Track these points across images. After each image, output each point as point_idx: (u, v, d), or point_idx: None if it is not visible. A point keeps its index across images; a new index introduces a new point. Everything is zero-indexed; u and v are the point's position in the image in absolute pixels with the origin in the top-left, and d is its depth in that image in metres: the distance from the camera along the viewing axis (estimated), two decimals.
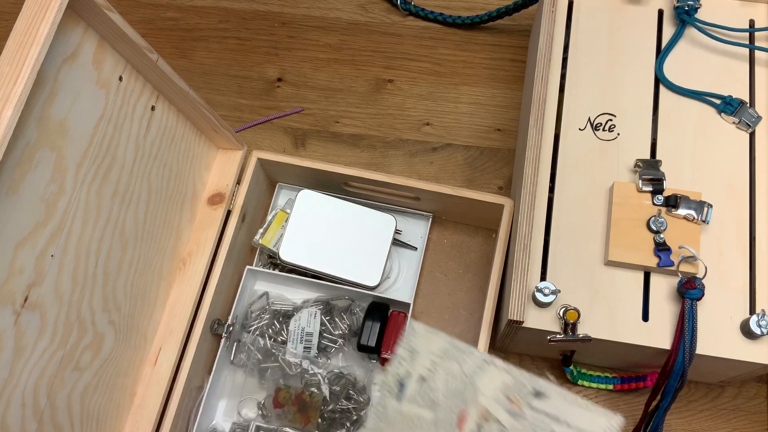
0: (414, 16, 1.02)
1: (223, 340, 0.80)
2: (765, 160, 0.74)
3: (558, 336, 0.67)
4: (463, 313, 0.85)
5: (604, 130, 0.76)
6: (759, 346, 0.67)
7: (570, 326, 0.67)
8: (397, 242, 0.86)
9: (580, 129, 0.76)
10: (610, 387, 0.79)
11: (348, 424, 0.78)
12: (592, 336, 0.67)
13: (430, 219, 0.87)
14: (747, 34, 0.78)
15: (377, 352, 0.79)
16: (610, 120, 0.76)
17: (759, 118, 0.75)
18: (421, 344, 0.59)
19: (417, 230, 0.88)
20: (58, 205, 0.60)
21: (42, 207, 0.58)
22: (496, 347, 0.82)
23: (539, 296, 0.67)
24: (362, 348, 0.79)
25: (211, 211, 0.82)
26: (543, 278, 0.70)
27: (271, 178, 0.90)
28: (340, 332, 0.82)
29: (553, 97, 0.77)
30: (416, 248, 0.87)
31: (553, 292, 0.67)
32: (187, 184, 0.79)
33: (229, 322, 0.80)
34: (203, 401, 0.77)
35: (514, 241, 0.70)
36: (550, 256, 0.71)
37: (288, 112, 0.98)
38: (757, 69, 0.78)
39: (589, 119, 0.76)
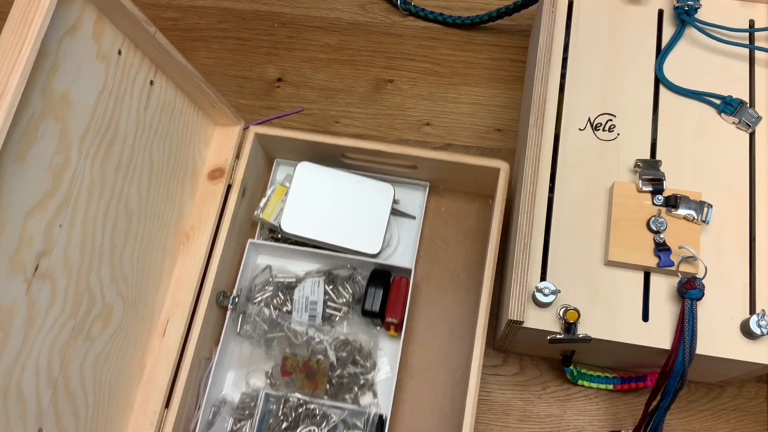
0: (414, 16, 1.02)
1: (228, 312, 0.81)
2: (765, 160, 0.74)
3: (558, 336, 0.67)
4: (463, 278, 0.86)
5: (604, 130, 0.76)
6: (759, 346, 0.67)
7: (570, 326, 0.67)
8: (395, 212, 0.87)
9: (580, 129, 0.76)
10: (610, 387, 0.79)
11: (356, 389, 0.79)
12: (592, 336, 0.67)
13: (427, 188, 0.89)
14: (747, 34, 0.78)
15: (381, 317, 0.80)
16: (610, 120, 0.76)
17: (759, 118, 0.75)
18: None
19: (415, 200, 0.89)
20: (63, 177, 0.62)
21: (49, 177, 0.60)
22: (496, 347, 0.82)
23: (539, 296, 0.67)
24: (366, 313, 0.80)
25: (212, 186, 0.84)
26: (543, 278, 0.70)
27: (269, 155, 0.91)
28: (344, 300, 0.83)
29: (553, 97, 0.77)
30: (415, 217, 0.88)
31: (553, 292, 0.67)
32: (187, 159, 0.81)
33: (234, 294, 0.82)
34: (212, 372, 0.78)
35: (514, 241, 0.70)
36: (550, 256, 0.71)
37: (288, 112, 0.98)
38: (757, 69, 0.78)
39: (589, 119, 0.76)
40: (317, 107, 0.98)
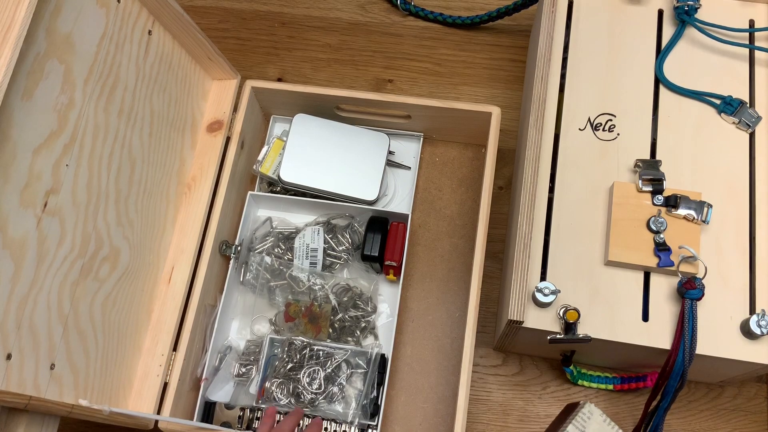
0: (414, 16, 1.02)
1: (231, 261, 0.83)
2: (765, 160, 0.74)
3: (558, 336, 0.67)
4: (458, 223, 0.89)
5: (604, 130, 0.76)
6: (759, 346, 0.67)
7: (570, 326, 0.67)
8: (391, 163, 0.89)
9: (580, 129, 0.76)
10: (610, 387, 0.79)
11: (358, 332, 0.81)
12: (592, 336, 0.67)
13: (421, 138, 0.91)
14: (747, 34, 0.78)
15: (380, 261, 0.81)
16: (610, 120, 0.76)
17: (759, 118, 0.75)
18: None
19: (409, 151, 0.91)
20: (69, 117, 0.64)
21: (54, 116, 0.63)
22: (496, 347, 0.82)
23: (539, 296, 0.67)
24: (366, 258, 0.81)
25: (211, 138, 0.86)
26: (543, 278, 0.70)
27: (265, 111, 0.92)
28: (343, 248, 0.84)
29: (553, 97, 0.77)
30: (410, 168, 0.90)
31: (553, 292, 0.67)
32: (186, 112, 0.83)
33: (236, 243, 0.83)
34: (217, 319, 0.80)
35: (514, 241, 0.70)
36: (550, 256, 0.71)
37: None
38: (757, 69, 0.78)
39: (589, 119, 0.76)
40: None
